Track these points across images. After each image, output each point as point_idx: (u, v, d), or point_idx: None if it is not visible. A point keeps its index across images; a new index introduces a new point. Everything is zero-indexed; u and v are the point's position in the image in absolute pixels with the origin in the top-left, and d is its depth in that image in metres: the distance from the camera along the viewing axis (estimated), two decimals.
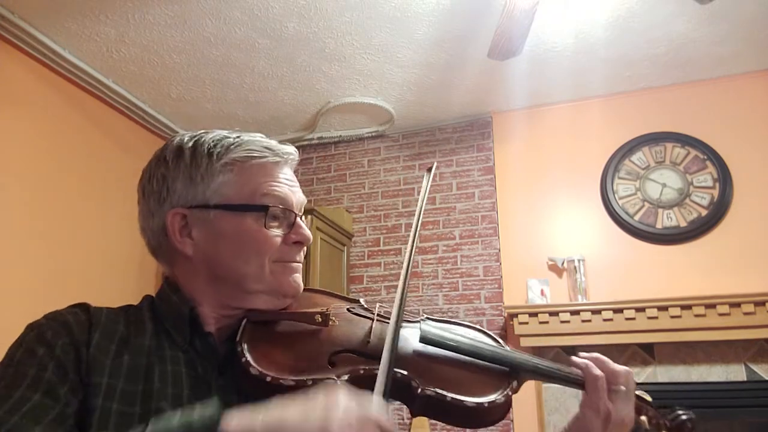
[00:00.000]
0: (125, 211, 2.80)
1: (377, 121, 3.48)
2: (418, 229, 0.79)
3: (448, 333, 0.78)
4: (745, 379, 2.59)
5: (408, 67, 2.89)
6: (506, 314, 2.97)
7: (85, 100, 2.94)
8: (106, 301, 0.77)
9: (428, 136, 3.51)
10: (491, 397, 0.71)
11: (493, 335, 0.84)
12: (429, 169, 0.88)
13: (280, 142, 0.82)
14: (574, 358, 0.79)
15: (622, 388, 0.74)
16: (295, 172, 0.82)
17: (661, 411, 0.80)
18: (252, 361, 0.66)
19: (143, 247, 0.82)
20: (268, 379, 0.64)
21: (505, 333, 3.01)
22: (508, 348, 0.80)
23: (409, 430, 3.02)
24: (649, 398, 0.79)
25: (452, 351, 0.76)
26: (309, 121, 3.47)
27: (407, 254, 0.75)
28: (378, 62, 2.84)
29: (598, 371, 0.75)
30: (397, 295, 0.70)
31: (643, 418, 0.78)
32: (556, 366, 0.78)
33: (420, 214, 0.78)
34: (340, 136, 3.61)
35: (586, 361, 0.77)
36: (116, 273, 2.97)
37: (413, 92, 3.13)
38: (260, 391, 0.65)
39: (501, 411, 0.72)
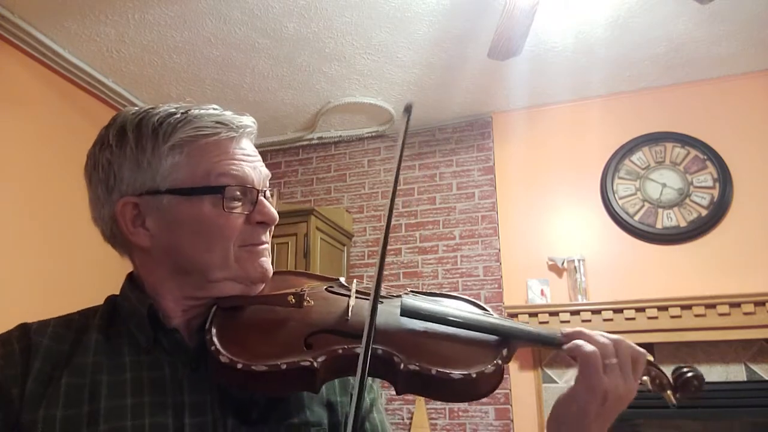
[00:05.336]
0: None
1: (377, 121, 3.48)
2: (397, 188, 0.70)
3: (429, 304, 0.73)
4: (745, 379, 2.59)
5: (408, 67, 2.89)
6: (506, 314, 2.97)
7: (85, 100, 2.94)
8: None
9: (428, 136, 3.51)
10: (479, 368, 0.65)
11: (480, 303, 0.79)
12: (407, 109, 0.73)
13: (236, 113, 0.74)
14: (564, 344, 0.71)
15: (614, 360, 0.67)
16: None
17: (665, 369, 0.74)
18: (221, 349, 0.62)
19: None
20: (239, 366, 0.61)
21: None
22: (495, 315, 0.75)
23: (409, 430, 3.01)
24: (650, 357, 0.73)
25: (435, 322, 0.71)
26: (309, 121, 3.47)
27: (386, 220, 0.65)
28: (378, 62, 2.84)
29: (590, 347, 0.67)
30: (376, 266, 0.62)
31: (645, 378, 0.72)
32: (546, 331, 0.73)
33: (399, 166, 0.67)
34: (340, 136, 3.61)
35: (575, 340, 0.69)
36: (116, 272, 2.97)
37: (413, 92, 3.13)
38: (233, 380, 0.63)
39: (492, 382, 0.67)
